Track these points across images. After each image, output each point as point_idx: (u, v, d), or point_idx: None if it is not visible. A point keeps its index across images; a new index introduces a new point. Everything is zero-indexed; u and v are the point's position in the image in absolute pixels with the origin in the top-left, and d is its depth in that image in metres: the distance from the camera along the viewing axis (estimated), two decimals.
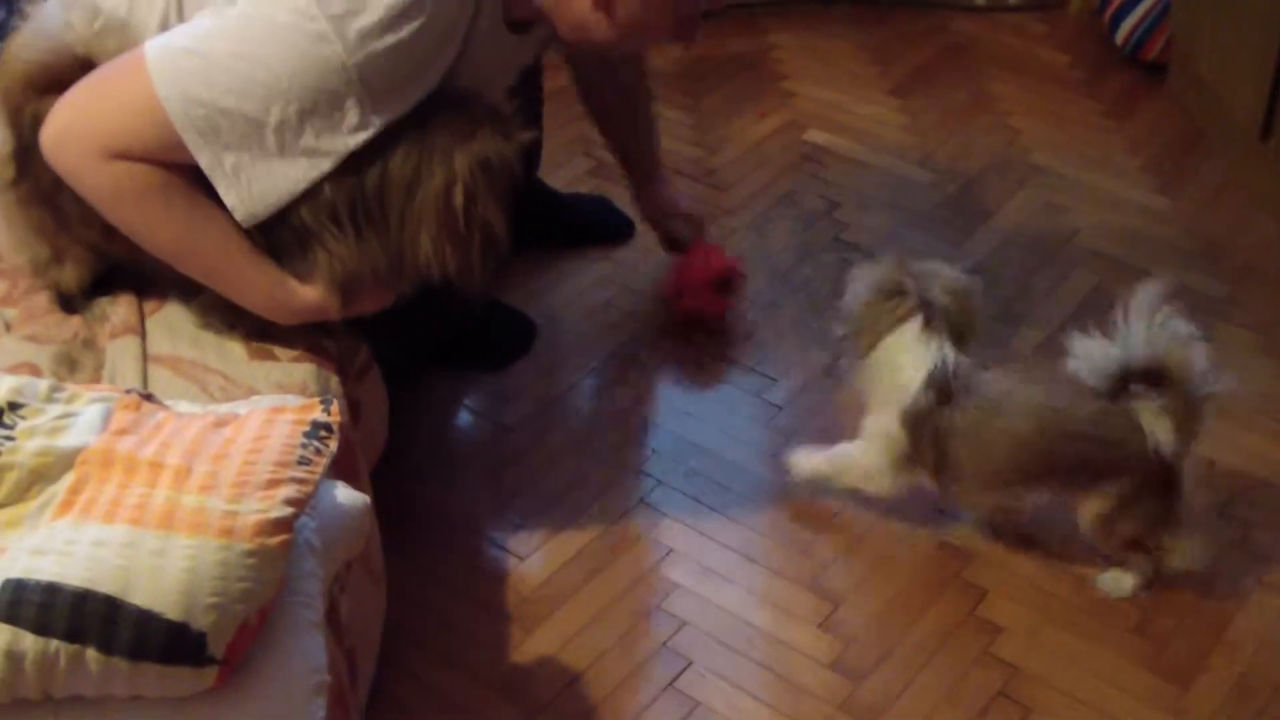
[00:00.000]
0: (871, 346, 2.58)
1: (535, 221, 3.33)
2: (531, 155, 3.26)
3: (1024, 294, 3.24)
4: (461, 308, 2.77)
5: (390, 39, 2.10)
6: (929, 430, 2.53)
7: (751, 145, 3.73)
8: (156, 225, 2.21)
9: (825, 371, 3.04)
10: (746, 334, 3.14)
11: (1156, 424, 2.42)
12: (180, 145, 2.12)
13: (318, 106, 2.12)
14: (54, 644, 1.68)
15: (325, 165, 2.16)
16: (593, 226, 3.41)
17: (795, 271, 3.30)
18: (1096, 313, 3.13)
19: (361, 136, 2.15)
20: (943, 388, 2.51)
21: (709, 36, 4.13)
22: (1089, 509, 2.53)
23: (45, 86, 2.19)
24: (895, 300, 2.56)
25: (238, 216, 2.18)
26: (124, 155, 2.13)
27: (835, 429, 2.89)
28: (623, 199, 3.45)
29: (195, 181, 2.16)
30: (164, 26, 2.25)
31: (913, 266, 2.61)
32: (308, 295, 2.27)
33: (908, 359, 2.54)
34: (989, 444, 2.51)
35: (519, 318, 3.13)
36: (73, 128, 2.15)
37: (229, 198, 2.16)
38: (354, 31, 2.08)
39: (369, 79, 2.11)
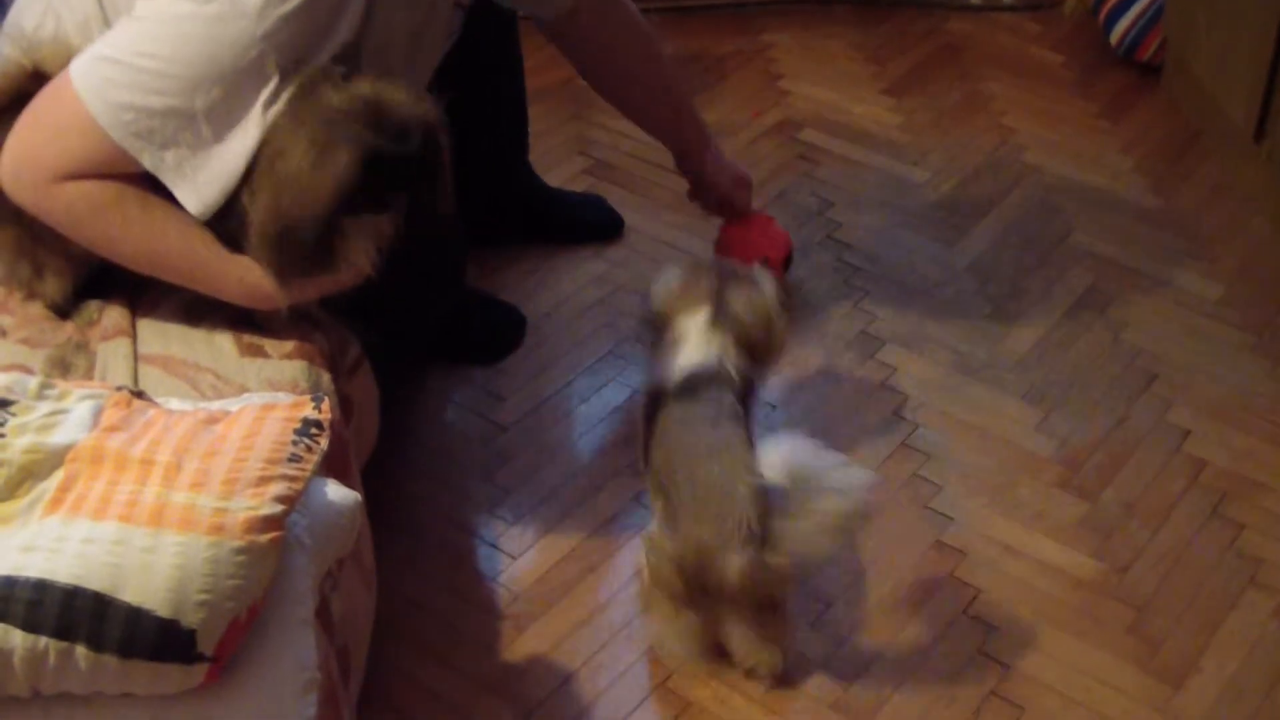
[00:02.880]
0: (664, 329, 2.59)
1: (528, 217, 3.33)
2: (519, 142, 3.26)
3: (1017, 294, 3.24)
4: (447, 296, 2.78)
5: (293, 1, 2.11)
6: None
7: (746, 144, 3.72)
8: (119, 238, 2.22)
9: (818, 371, 3.04)
10: None
11: None
12: (122, 154, 2.13)
13: (240, 84, 2.12)
14: (43, 641, 1.68)
15: (254, 135, 2.16)
16: (585, 223, 3.40)
17: (789, 270, 3.29)
18: (1090, 313, 3.16)
19: (281, 104, 2.15)
20: (691, 387, 2.46)
21: (704, 33, 4.14)
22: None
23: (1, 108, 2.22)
24: (693, 290, 2.57)
25: (192, 209, 2.18)
26: (74, 176, 2.16)
27: (829, 428, 2.89)
28: (616, 197, 3.45)
29: (147, 188, 2.18)
30: (87, 30, 2.27)
31: (727, 268, 2.62)
32: (268, 280, 2.27)
33: (685, 346, 2.52)
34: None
35: (509, 310, 3.13)
36: (21, 161, 2.18)
37: (179, 192, 2.17)
38: (253, 3, 2.08)
39: (281, 45, 2.11)
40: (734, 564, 2.25)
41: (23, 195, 2.19)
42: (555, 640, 2.52)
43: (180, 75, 2.11)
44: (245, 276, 2.26)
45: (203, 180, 2.16)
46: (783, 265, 3.17)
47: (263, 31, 2.10)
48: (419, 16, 2.38)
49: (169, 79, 2.11)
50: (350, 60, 2.24)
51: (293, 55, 2.14)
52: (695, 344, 2.51)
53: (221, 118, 2.14)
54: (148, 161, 2.14)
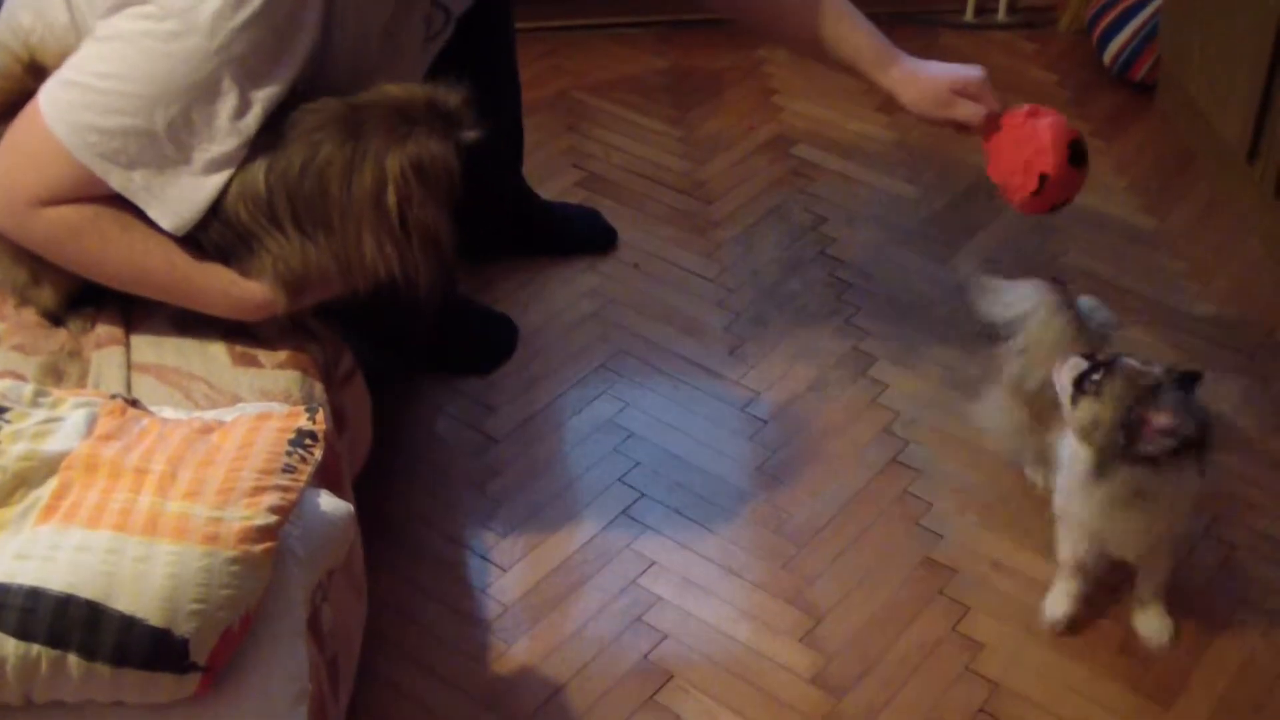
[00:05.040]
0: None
1: (521, 229, 3.33)
2: (513, 154, 3.25)
3: None
4: (437, 309, 2.78)
5: (244, 13, 2.09)
6: None
7: (739, 159, 3.73)
8: (100, 259, 2.22)
9: (811, 386, 3.04)
10: (732, 347, 3.14)
11: None
12: (91, 176, 2.14)
13: (197, 101, 2.12)
14: (36, 649, 1.68)
15: (226, 152, 2.16)
16: (578, 237, 3.41)
17: (782, 285, 3.30)
18: None
19: (251, 117, 2.15)
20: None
21: (700, 48, 4.14)
22: None
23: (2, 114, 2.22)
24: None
25: (167, 227, 2.19)
26: (51, 201, 2.16)
27: (819, 444, 2.90)
28: (609, 210, 3.46)
29: (126, 209, 2.18)
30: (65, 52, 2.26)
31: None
32: (260, 291, 2.27)
33: None
34: None
35: (501, 320, 3.13)
36: None
37: (151, 211, 2.18)
38: (205, 17, 2.08)
39: (238, 57, 2.11)
40: None
41: (2, 222, 2.20)
42: (545, 652, 2.52)
43: (139, 94, 2.11)
44: (230, 290, 2.26)
45: (174, 196, 2.16)
46: (1062, 167, 2.71)
47: (216, 46, 2.09)
48: (387, 13, 2.37)
49: (128, 98, 2.11)
50: (319, 65, 2.24)
51: (252, 68, 2.13)
52: None
53: (184, 135, 2.13)
54: (115, 182, 2.14)
